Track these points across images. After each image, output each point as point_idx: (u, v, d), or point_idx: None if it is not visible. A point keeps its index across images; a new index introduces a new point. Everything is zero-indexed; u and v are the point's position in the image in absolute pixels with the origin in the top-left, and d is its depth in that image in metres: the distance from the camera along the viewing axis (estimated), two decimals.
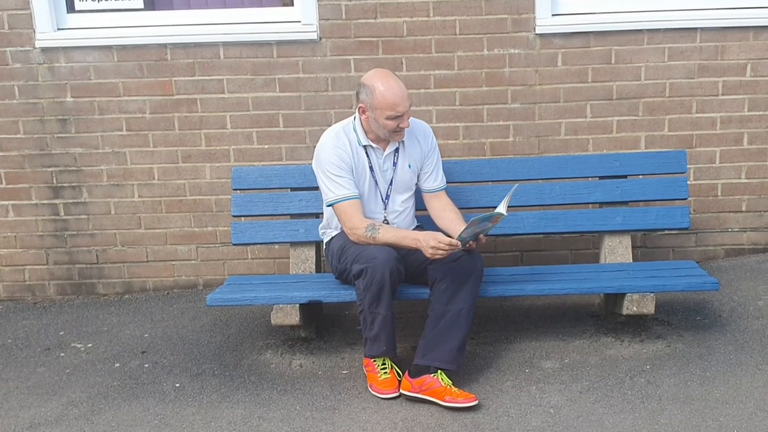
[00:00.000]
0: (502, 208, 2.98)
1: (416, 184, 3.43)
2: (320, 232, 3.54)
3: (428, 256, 3.02)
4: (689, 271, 3.47)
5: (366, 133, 3.25)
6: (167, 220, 4.37)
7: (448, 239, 3.00)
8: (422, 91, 4.16)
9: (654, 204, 3.85)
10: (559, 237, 4.30)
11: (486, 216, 2.95)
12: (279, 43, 4.14)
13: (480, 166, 3.81)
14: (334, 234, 3.41)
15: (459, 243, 3.00)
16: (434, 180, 3.42)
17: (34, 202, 4.34)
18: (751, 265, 4.24)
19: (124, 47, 4.15)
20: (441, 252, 2.99)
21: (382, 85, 3.10)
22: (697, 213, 4.31)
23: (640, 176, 3.78)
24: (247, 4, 4.27)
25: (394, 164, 3.31)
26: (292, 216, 3.80)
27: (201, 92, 4.20)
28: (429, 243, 2.99)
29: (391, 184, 3.33)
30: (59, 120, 4.24)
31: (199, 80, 4.19)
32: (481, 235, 3.13)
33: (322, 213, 3.49)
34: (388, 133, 3.18)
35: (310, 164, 3.40)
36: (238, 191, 3.87)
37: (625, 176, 3.76)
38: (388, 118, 3.11)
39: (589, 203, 3.82)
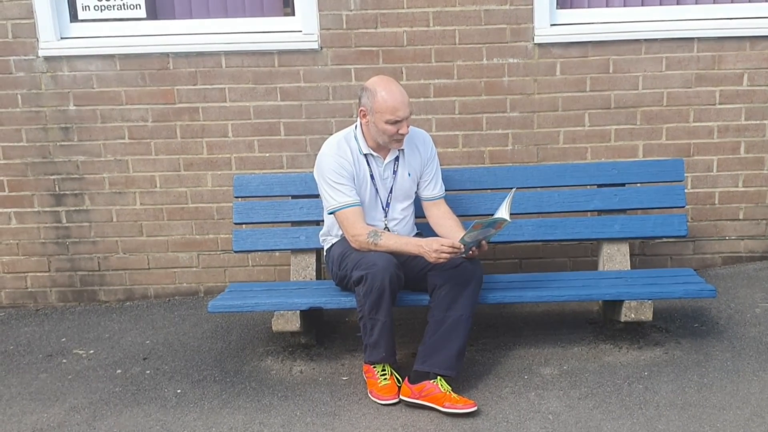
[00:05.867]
0: (505, 214, 2.99)
1: (416, 192, 3.46)
2: (321, 239, 3.56)
3: (431, 261, 3.04)
4: (687, 279, 3.49)
5: (367, 141, 3.28)
6: (169, 227, 4.39)
7: (450, 241, 3.03)
8: (422, 99, 4.19)
9: (652, 212, 3.88)
10: (558, 244, 4.32)
11: (490, 222, 2.97)
12: (280, 52, 4.18)
13: (479, 174, 3.84)
14: (334, 241, 3.43)
15: (462, 246, 3.02)
16: (433, 188, 3.44)
17: (36, 209, 4.37)
18: (749, 272, 4.26)
19: (126, 56, 4.19)
20: (445, 255, 3.01)
21: (384, 90, 3.13)
22: (695, 221, 4.33)
23: (638, 184, 3.81)
24: (248, 13, 4.30)
25: (394, 172, 3.34)
26: (293, 223, 3.82)
27: (203, 101, 4.23)
28: (432, 247, 3.02)
29: (391, 192, 3.35)
30: (62, 128, 4.27)
31: (201, 89, 4.22)
32: (483, 241, 3.15)
33: (323, 220, 3.52)
34: (387, 139, 3.20)
35: (311, 172, 3.43)
36: (240, 199, 3.90)
37: (623, 184, 3.79)
38: (388, 122, 3.13)
39: (587, 211, 3.85)
